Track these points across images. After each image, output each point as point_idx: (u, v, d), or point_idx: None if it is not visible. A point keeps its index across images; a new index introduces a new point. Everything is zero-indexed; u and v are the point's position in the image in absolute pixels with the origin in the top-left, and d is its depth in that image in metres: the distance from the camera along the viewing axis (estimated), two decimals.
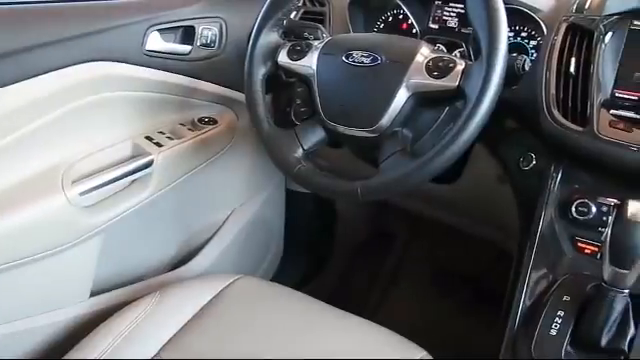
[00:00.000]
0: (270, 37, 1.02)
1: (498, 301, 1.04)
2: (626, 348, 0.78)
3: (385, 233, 1.77)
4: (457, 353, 1.25)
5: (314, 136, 0.98)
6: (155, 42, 1.13)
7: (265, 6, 1.02)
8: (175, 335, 0.94)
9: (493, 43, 0.81)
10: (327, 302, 1.03)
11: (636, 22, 0.89)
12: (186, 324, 0.97)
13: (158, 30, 1.14)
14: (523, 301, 0.89)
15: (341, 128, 0.95)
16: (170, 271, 1.29)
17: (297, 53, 1.00)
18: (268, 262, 1.55)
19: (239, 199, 1.41)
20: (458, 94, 0.86)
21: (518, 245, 0.98)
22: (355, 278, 1.72)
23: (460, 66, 0.87)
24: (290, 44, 1.02)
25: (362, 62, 0.93)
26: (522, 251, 0.94)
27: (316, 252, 1.70)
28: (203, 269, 1.31)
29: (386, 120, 0.91)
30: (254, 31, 1.02)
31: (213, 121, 1.26)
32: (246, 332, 0.95)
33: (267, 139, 1.00)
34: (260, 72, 1.02)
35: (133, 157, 1.13)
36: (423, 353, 0.92)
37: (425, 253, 1.72)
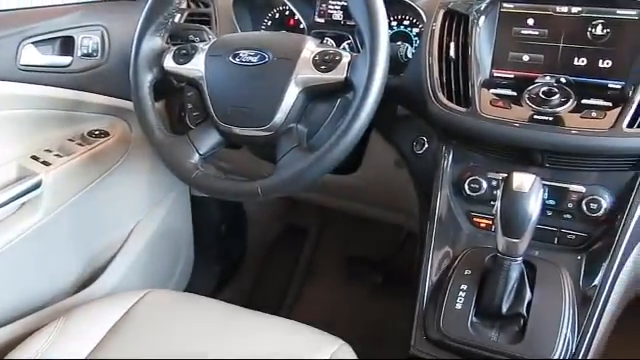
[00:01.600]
0: (153, 42, 1.00)
1: (408, 282, 1.08)
2: (524, 312, 0.83)
3: (296, 228, 1.78)
4: (373, 337, 1.28)
5: (209, 140, 0.97)
6: (31, 56, 1.07)
7: (144, 11, 0.99)
8: None
9: (374, 34, 0.83)
10: (245, 304, 1.02)
11: (505, 4, 0.94)
12: (95, 347, 0.92)
13: (33, 43, 1.08)
14: (429, 279, 0.93)
15: (236, 129, 0.94)
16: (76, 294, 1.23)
17: (183, 57, 0.98)
18: (180, 272, 1.51)
19: (142, 211, 1.36)
20: (347, 86, 0.88)
21: (419, 226, 1.01)
22: (271, 277, 1.72)
23: (346, 58, 0.88)
24: (175, 48, 0.99)
25: (250, 61, 0.92)
26: (423, 231, 0.97)
27: (229, 256, 1.68)
28: (111, 288, 1.26)
29: (279, 117, 0.91)
30: (135, 37, 0.99)
31: (104, 133, 1.21)
32: (160, 346, 0.92)
33: (160, 147, 0.97)
34: (147, 79, 0.99)
35: (19, 179, 1.06)
36: (340, 343, 0.93)
37: (337, 244, 1.75)
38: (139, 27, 0.99)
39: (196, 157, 0.96)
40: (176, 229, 1.49)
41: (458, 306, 0.85)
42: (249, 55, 0.93)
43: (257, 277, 1.71)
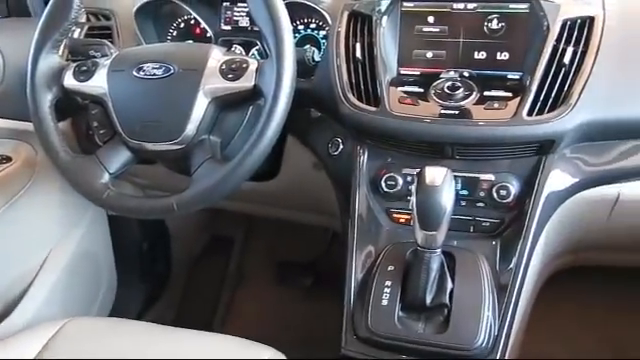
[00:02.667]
0: (51, 60, 0.95)
1: (337, 282, 1.08)
2: (447, 301, 0.85)
3: (222, 239, 1.75)
4: (306, 340, 1.28)
5: (119, 158, 0.93)
6: None
7: (39, 27, 0.94)
8: None
9: (279, 40, 0.83)
10: (175, 322, 0.99)
11: (405, 4, 0.97)
12: None
13: None
14: (354, 278, 0.93)
15: (146, 145, 0.91)
16: None
17: (84, 74, 0.94)
18: (102, 296, 1.45)
19: (55, 237, 1.30)
20: (256, 93, 0.87)
21: (342, 226, 1.02)
22: (200, 290, 1.69)
23: (253, 65, 0.88)
24: (75, 65, 0.95)
25: (154, 74, 0.90)
26: (346, 231, 0.98)
27: (154, 273, 1.63)
28: (27, 321, 1.18)
29: (190, 130, 0.89)
30: (31, 56, 0.94)
31: (7, 159, 1.15)
32: None
33: (66, 169, 0.93)
34: (46, 98, 0.94)
35: None
36: (271, 352, 0.92)
37: (265, 250, 1.74)
38: (34, 45, 0.94)
39: (106, 177, 0.92)
40: (95, 251, 1.42)
41: (384, 302, 0.86)
42: (153, 68, 0.90)
43: (186, 292, 1.67)
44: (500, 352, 0.85)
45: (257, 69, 0.87)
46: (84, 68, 0.94)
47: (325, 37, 1.09)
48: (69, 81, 0.94)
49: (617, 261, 1.24)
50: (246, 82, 0.87)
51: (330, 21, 1.04)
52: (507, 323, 0.86)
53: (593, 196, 0.94)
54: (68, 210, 1.31)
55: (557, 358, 1.34)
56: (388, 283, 0.88)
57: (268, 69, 0.85)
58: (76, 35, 1.16)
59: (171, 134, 0.89)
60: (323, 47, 1.09)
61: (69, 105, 1.01)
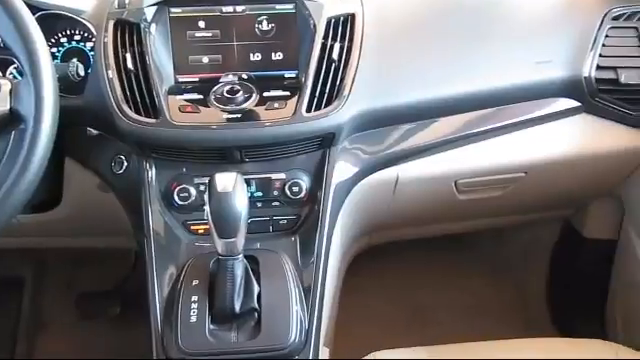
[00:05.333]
0: None
1: (145, 304, 1.02)
2: (256, 305, 0.85)
3: (10, 281, 1.56)
4: None
5: None
6: None
7: None
8: None
9: (31, 56, 0.75)
10: None
11: (173, 10, 0.94)
12: None
13: None
14: (159, 299, 0.89)
15: None
16: None
17: None
18: None
19: None
20: (15, 117, 0.77)
21: (138, 246, 0.97)
22: None
23: (6, 87, 0.78)
24: None
25: None
26: (143, 251, 0.93)
27: None
28: None
29: None
30: None
31: None
32: None
33: None
34: None
35: None
36: None
37: (62, 286, 1.58)
38: None
39: None
40: None
41: (193, 319, 0.83)
42: None
43: None
44: (313, 343, 0.87)
45: (11, 90, 0.78)
46: None
47: (93, 49, 1.02)
48: None
49: (405, 235, 1.36)
50: (0, 106, 0.77)
51: (95, 32, 0.97)
52: (316, 314, 0.89)
53: (376, 180, 1.01)
54: None
55: (370, 333, 1.42)
56: (195, 298, 0.85)
57: (24, 90, 0.76)
58: None
59: None
60: (93, 60, 1.01)
61: None
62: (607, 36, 1.04)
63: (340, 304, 1.14)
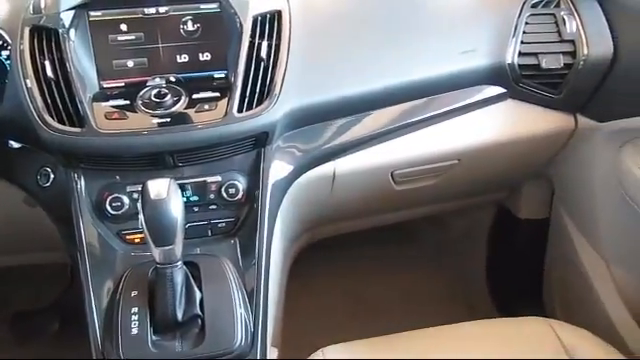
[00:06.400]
0: None
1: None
2: (199, 311, 0.83)
3: None
4: None
5: None
6: None
7: None
8: None
9: None
10: None
11: (93, 14, 0.90)
12: None
13: None
14: (97, 313, 0.86)
15: None
16: None
17: None
18: None
19: None
20: None
21: (71, 260, 0.93)
22: None
23: None
24: None
25: None
26: (77, 265, 0.89)
27: None
28: None
29: None
30: None
31: None
32: None
33: None
34: None
35: None
36: None
37: None
38: None
39: None
40: None
41: (134, 331, 0.81)
42: None
43: None
44: (260, 345, 0.86)
45: None
46: None
47: (9, 57, 0.97)
48: None
49: (346, 229, 1.37)
50: None
51: (10, 39, 0.93)
52: (261, 315, 0.88)
53: (313, 176, 1.02)
54: None
55: (320, 329, 1.42)
56: (135, 309, 0.83)
57: None
58: None
59: None
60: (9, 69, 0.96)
61: None
62: (527, 23, 1.07)
63: (287, 302, 1.14)
